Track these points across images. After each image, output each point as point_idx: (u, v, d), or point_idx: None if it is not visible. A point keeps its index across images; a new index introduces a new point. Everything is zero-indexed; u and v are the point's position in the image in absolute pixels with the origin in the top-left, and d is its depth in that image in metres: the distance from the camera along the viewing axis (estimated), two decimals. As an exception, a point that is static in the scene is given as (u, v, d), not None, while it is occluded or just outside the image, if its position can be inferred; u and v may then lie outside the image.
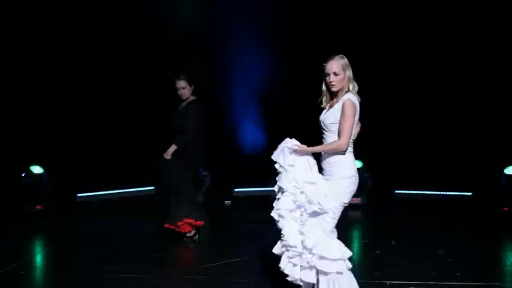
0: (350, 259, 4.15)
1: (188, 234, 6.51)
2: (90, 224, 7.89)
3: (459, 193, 8.46)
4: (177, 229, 6.44)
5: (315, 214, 4.06)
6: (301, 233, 4.08)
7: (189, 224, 6.45)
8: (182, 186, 6.45)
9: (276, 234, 4.26)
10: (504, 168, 8.03)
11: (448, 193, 8.51)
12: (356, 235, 7.00)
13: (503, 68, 8.58)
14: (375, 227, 7.68)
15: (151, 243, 6.55)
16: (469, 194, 8.39)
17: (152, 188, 9.02)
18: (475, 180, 8.31)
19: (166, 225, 6.53)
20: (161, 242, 6.52)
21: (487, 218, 7.68)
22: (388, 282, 5.04)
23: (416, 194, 8.63)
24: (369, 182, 8.41)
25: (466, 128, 8.75)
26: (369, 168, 8.22)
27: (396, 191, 8.72)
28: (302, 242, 4.06)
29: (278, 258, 4.23)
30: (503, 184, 7.98)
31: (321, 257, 4.01)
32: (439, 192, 8.54)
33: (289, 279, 4.18)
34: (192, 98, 6.53)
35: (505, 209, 7.74)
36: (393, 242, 6.41)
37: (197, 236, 6.57)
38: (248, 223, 7.77)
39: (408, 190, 8.68)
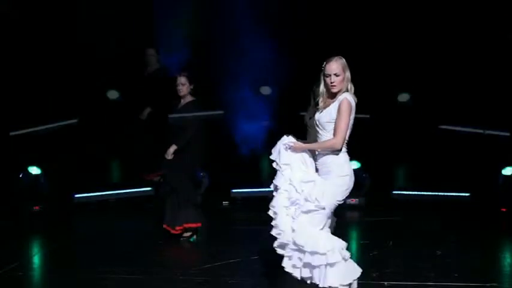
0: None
1: (185, 235, 6.53)
2: (88, 225, 7.87)
3: (457, 194, 8.44)
4: (174, 232, 6.46)
5: (308, 211, 4.09)
6: (293, 230, 4.11)
7: (187, 228, 6.49)
8: (182, 186, 6.45)
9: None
10: (502, 169, 8.03)
11: (445, 194, 8.49)
12: (354, 236, 7.00)
13: (499, 68, 8.59)
14: (372, 227, 7.67)
15: (149, 244, 6.54)
16: (467, 194, 8.38)
17: (150, 189, 9.00)
18: (473, 181, 8.31)
19: (164, 226, 6.55)
20: (159, 243, 6.51)
21: (485, 219, 7.67)
22: (386, 283, 5.05)
23: (414, 194, 8.61)
24: (367, 183, 8.39)
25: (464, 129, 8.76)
26: (367, 169, 8.22)
27: (394, 192, 8.72)
28: (293, 238, 4.09)
29: (276, 259, 4.23)
30: (501, 185, 7.97)
31: (313, 253, 4.04)
32: (436, 193, 8.52)
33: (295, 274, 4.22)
34: (191, 98, 6.55)
35: (503, 209, 7.75)
36: (391, 242, 6.41)
37: (194, 236, 6.58)
38: (246, 224, 7.75)
39: (406, 191, 8.68)
